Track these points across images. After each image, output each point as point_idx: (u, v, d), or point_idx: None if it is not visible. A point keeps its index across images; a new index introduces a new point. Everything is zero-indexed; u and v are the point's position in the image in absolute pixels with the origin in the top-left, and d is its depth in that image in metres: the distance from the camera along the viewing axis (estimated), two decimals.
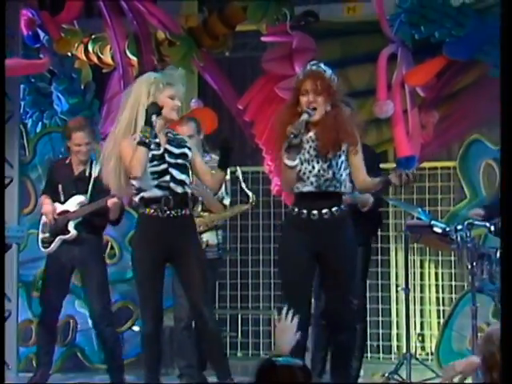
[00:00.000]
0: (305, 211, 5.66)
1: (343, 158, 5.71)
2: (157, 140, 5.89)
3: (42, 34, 8.60)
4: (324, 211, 5.63)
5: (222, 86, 9.07)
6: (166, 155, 5.91)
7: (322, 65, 5.90)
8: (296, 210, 5.74)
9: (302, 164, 5.68)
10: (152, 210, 5.89)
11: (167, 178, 5.86)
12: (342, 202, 5.78)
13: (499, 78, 7.52)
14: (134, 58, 8.80)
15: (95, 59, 9.12)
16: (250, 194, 7.61)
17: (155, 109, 5.80)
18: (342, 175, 5.70)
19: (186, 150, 5.98)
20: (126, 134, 5.87)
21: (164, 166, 5.87)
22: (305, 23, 8.55)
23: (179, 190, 5.89)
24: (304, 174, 5.67)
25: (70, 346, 8.18)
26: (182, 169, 5.95)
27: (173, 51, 8.71)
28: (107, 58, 9.02)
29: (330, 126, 5.67)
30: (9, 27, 8.09)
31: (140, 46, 8.76)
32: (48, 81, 8.85)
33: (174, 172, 5.90)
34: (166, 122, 5.98)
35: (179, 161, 5.93)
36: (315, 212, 5.63)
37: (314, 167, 5.66)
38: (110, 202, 6.88)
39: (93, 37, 9.05)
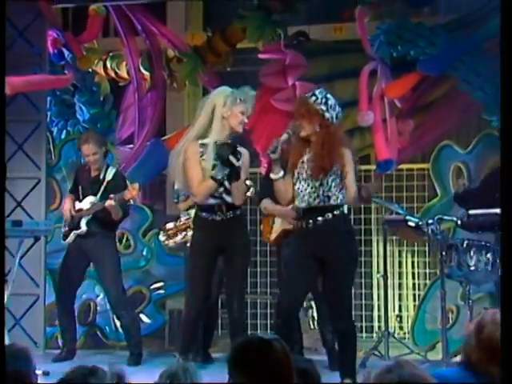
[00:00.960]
0: (303, 223, 5.75)
1: (334, 176, 5.69)
2: (225, 151, 5.93)
3: (66, 53, 8.54)
4: (319, 219, 5.69)
5: None
6: (225, 161, 5.95)
7: (316, 91, 5.88)
8: (296, 221, 5.90)
9: (299, 182, 5.72)
10: (205, 214, 6.00)
11: (221, 189, 5.93)
12: (334, 210, 5.77)
13: (468, 92, 7.65)
14: (146, 73, 8.97)
15: (113, 74, 9.25)
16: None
17: (231, 149, 5.87)
18: (331, 192, 5.71)
19: (240, 163, 5.99)
20: (199, 137, 5.93)
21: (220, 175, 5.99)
22: (297, 42, 8.68)
23: (229, 199, 5.96)
24: (301, 191, 5.72)
25: (91, 325, 8.20)
26: (233, 180, 5.99)
27: (181, 67, 8.84)
28: (123, 73, 9.17)
29: (322, 151, 5.68)
30: (36, 46, 8.22)
31: (152, 62, 8.92)
32: (71, 93, 8.86)
33: (227, 184, 5.97)
34: (230, 133, 5.99)
35: (234, 174, 5.97)
36: (310, 221, 5.69)
37: (308, 185, 5.70)
38: (107, 204, 6.96)
39: (110, 54, 9.20)
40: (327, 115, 5.73)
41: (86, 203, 7.16)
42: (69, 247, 7.26)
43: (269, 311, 9.45)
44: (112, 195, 6.94)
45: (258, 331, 9.20)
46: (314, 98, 5.77)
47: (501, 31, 4.26)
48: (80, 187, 7.27)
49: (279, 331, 5.39)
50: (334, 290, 5.83)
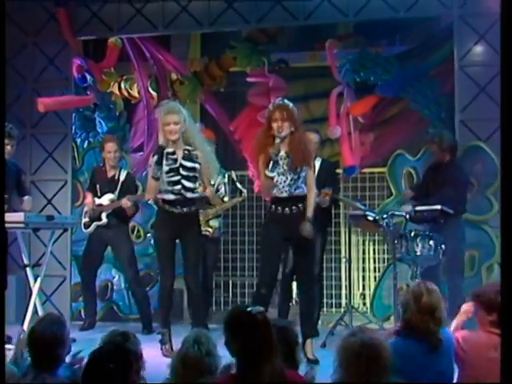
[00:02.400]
0: (280, 208, 5.79)
1: (304, 170, 5.80)
2: (174, 156, 5.86)
3: (88, 77, 8.60)
4: (293, 208, 5.77)
5: (219, 113, 9.25)
6: (181, 169, 5.87)
7: (285, 100, 5.96)
8: (273, 207, 5.85)
9: (278, 176, 5.72)
10: (167, 207, 5.94)
11: (179, 186, 5.88)
12: (305, 201, 5.82)
13: (417, 111, 7.87)
14: (154, 93, 9.08)
15: (126, 94, 9.28)
16: (243, 190, 7.79)
17: (162, 150, 5.76)
18: (304, 183, 5.84)
19: (196, 165, 5.91)
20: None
21: (177, 178, 5.87)
22: (278, 68, 8.83)
23: (188, 195, 5.91)
24: (280, 183, 5.73)
25: (109, 301, 8.23)
26: (192, 179, 5.94)
27: (182, 88, 8.99)
28: (135, 92, 9.25)
29: (297, 148, 5.74)
30: (64, 72, 8.27)
31: (159, 84, 9.03)
32: (92, 110, 8.84)
33: (185, 182, 5.90)
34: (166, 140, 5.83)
35: (190, 173, 5.91)
36: (287, 209, 5.77)
37: (287, 178, 5.72)
38: (124, 203, 7.05)
39: (124, 77, 9.24)
40: (298, 120, 5.88)
41: (105, 199, 7.21)
42: (90, 236, 7.33)
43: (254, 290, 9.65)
44: (128, 196, 7.05)
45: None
46: (290, 104, 5.83)
47: (501, 32, 4.13)
48: (98, 185, 7.30)
49: (261, 299, 5.48)
50: (303, 263, 5.95)
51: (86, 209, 7.38)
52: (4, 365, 3.76)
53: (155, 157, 5.73)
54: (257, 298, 5.58)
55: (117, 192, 7.21)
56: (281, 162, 5.70)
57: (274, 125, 5.67)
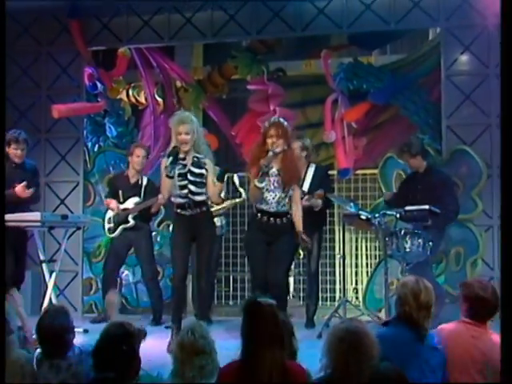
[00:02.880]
0: (265, 218, 5.83)
1: (291, 189, 5.84)
2: (184, 162, 5.84)
3: (99, 85, 8.56)
4: (278, 219, 5.82)
5: (221, 118, 9.37)
6: (188, 174, 5.85)
7: (281, 118, 6.02)
8: (259, 215, 5.89)
9: (268, 192, 5.78)
10: (179, 210, 5.94)
11: (186, 191, 5.84)
12: (287, 215, 5.86)
13: (407, 117, 7.92)
14: (160, 100, 9.15)
15: (134, 100, 9.38)
16: (243, 192, 7.74)
17: (176, 151, 5.77)
18: (289, 201, 5.86)
19: (203, 171, 5.88)
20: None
21: (185, 183, 5.84)
22: (276, 76, 9.01)
23: (196, 198, 5.87)
24: (269, 199, 5.79)
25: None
26: (199, 184, 5.90)
27: (187, 95, 9.07)
28: (142, 99, 9.33)
29: (288, 166, 5.81)
30: (76, 80, 8.25)
31: (164, 91, 9.10)
32: (102, 116, 8.85)
33: (192, 187, 5.86)
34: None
35: (197, 179, 5.88)
36: (272, 219, 5.83)
37: (276, 195, 5.79)
38: (159, 199, 6.92)
39: (132, 85, 9.34)
40: (291, 137, 5.95)
41: (130, 203, 7.19)
42: (114, 239, 7.27)
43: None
44: (152, 198, 7.04)
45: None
46: (285, 123, 5.88)
47: (501, 33, 4.03)
48: (120, 191, 7.23)
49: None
50: (276, 266, 5.87)
51: (109, 215, 7.31)
52: (4, 363, 3.75)
53: (170, 158, 5.74)
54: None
55: (142, 196, 7.22)
56: (272, 179, 5.77)
57: (269, 140, 5.72)
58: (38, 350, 4.24)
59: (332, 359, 3.43)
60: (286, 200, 5.86)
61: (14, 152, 6.49)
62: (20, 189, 6.34)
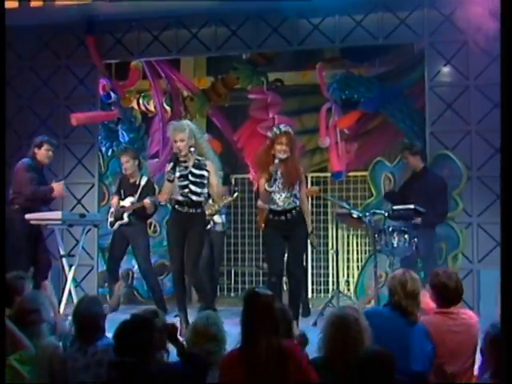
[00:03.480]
0: (276, 217, 5.99)
1: (297, 189, 5.99)
2: (186, 164, 5.90)
3: (112, 95, 8.57)
4: (288, 215, 5.96)
5: (224, 125, 9.35)
6: (190, 175, 5.92)
7: (290, 128, 6.08)
8: (271, 216, 6.04)
9: (274, 194, 5.94)
10: (176, 206, 5.99)
11: (186, 190, 5.90)
12: (295, 209, 5.98)
13: (394, 124, 7.95)
14: (168, 108, 9.12)
15: (144, 108, 9.39)
16: (237, 190, 7.90)
17: (176, 157, 5.86)
18: (298, 198, 6.01)
19: (204, 172, 5.95)
20: None
21: (186, 183, 5.90)
22: (275, 86, 8.93)
23: (194, 198, 5.92)
24: (275, 200, 5.96)
25: (130, 287, 8.33)
26: (199, 184, 5.95)
27: (192, 104, 9.10)
28: (151, 107, 9.33)
29: (291, 170, 5.93)
30: (91, 90, 8.27)
31: (172, 100, 9.09)
32: (115, 123, 8.82)
33: (192, 187, 5.91)
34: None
35: (197, 180, 5.94)
36: (283, 217, 5.97)
37: (281, 195, 5.93)
38: (145, 202, 7.06)
39: (142, 94, 9.37)
40: (294, 145, 6.05)
41: (127, 202, 7.27)
42: (114, 233, 7.37)
43: (254, 278, 9.55)
44: (149, 197, 7.05)
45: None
46: (292, 132, 6.04)
47: (501, 35, 3.87)
48: (122, 190, 7.36)
49: (272, 287, 5.55)
50: (294, 255, 6.06)
51: (111, 210, 7.41)
52: (4, 364, 3.72)
53: (171, 163, 5.87)
54: (269, 287, 5.59)
55: (137, 195, 7.25)
56: (277, 182, 5.91)
57: (278, 147, 5.85)
58: (70, 335, 4.27)
59: (324, 341, 3.56)
60: (291, 199, 5.96)
61: (46, 153, 6.73)
62: (58, 186, 6.58)
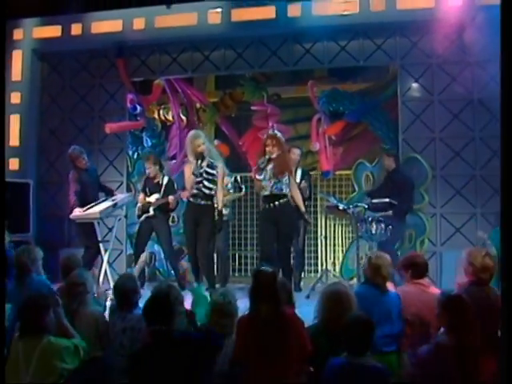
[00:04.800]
0: (267, 205, 6.15)
1: (286, 178, 6.14)
2: (201, 164, 6.16)
3: (138, 107, 8.61)
4: (276, 203, 6.11)
5: (231, 132, 9.46)
6: (204, 173, 6.16)
7: (276, 131, 6.34)
8: (263, 204, 6.25)
9: (265, 181, 6.12)
10: (192, 199, 6.21)
11: (200, 185, 6.14)
12: (285, 198, 6.09)
13: (373, 132, 8.01)
14: (184, 118, 9.26)
15: (163, 118, 9.46)
16: (243, 188, 7.83)
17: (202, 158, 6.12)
18: (284, 186, 6.15)
19: (214, 172, 6.18)
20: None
21: (200, 179, 6.14)
22: (274, 99, 9.14)
23: (206, 192, 6.16)
24: (266, 186, 6.15)
25: (153, 268, 8.36)
26: (211, 181, 6.18)
27: (204, 114, 9.38)
28: (170, 117, 9.42)
29: (279, 164, 6.13)
30: (120, 103, 8.37)
31: (187, 111, 9.27)
32: (140, 130, 8.96)
33: (205, 182, 6.15)
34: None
35: (210, 177, 6.17)
36: (271, 204, 6.12)
37: (270, 182, 6.11)
38: (170, 199, 7.06)
39: (162, 106, 9.43)
40: (283, 146, 6.29)
41: (153, 198, 7.22)
42: (141, 223, 7.32)
43: (255, 261, 9.28)
44: (171, 195, 7.06)
45: (248, 274, 9.02)
46: (278, 134, 6.32)
47: (501, 36, 3.88)
48: (147, 188, 7.31)
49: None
50: (283, 240, 6.16)
51: (138, 205, 7.36)
52: (4, 362, 3.62)
53: (198, 161, 6.11)
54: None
55: (161, 193, 7.21)
56: (269, 172, 6.10)
57: (266, 148, 6.14)
58: (111, 304, 4.51)
59: (320, 310, 3.79)
60: (278, 185, 6.06)
61: (82, 160, 6.94)
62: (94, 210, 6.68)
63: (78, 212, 6.75)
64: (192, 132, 6.45)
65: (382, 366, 3.45)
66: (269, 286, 3.61)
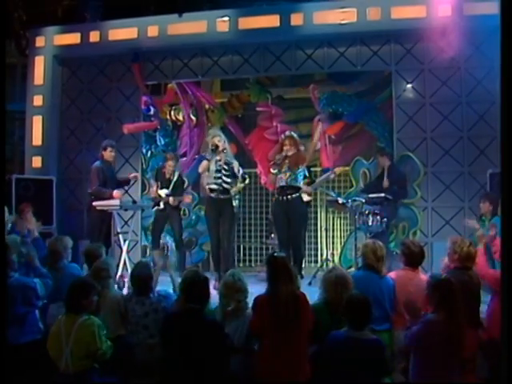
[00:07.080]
0: (281, 197, 6.35)
1: (300, 170, 6.41)
2: (220, 162, 6.36)
3: (152, 108, 8.76)
4: (289, 196, 6.32)
5: (237, 131, 9.55)
6: (222, 170, 6.39)
7: (293, 133, 6.48)
8: (276, 195, 6.42)
9: (281, 173, 6.37)
10: (211, 194, 6.41)
11: (220, 180, 6.36)
12: (299, 191, 6.33)
13: (370, 131, 8.13)
14: (194, 118, 9.38)
15: (175, 118, 9.56)
16: (246, 177, 7.60)
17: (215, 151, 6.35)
18: (298, 178, 6.41)
19: (230, 167, 6.41)
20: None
21: (219, 174, 6.38)
22: (277, 101, 9.24)
23: (225, 186, 6.37)
24: (282, 178, 6.39)
25: (166, 256, 7.76)
26: (229, 176, 6.42)
27: (213, 115, 9.47)
28: (180, 117, 9.53)
29: (294, 159, 6.41)
30: (135, 105, 8.44)
31: (197, 111, 9.37)
32: (154, 130, 9.02)
33: (224, 178, 6.38)
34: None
35: (227, 173, 6.40)
36: (285, 197, 6.31)
37: (286, 174, 6.39)
38: (187, 197, 7.04)
39: (173, 107, 9.53)
40: (299, 145, 6.55)
41: (162, 193, 7.05)
42: (156, 215, 7.16)
43: (259, 252, 9.41)
44: (180, 192, 6.95)
45: (252, 264, 9.29)
46: (295, 135, 6.56)
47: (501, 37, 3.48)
48: (159, 182, 7.12)
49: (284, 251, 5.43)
50: (295, 233, 6.33)
51: (150, 197, 7.33)
52: (4, 361, 3.77)
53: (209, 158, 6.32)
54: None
55: (170, 189, 7.04)
56: (285, 166, 6.37)
57: (285, 147, 6.41)
58: (129, 291, 4.70)
59: (323, 290, 4.02)
60: (293, 177, 6.25)
61: (110, 154, 6.93)
62: (117, 194, 6.74)
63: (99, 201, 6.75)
64: (211, 130, 6.69)
65: (378, 339, 3.74)
66: (286, 269, 3.81)
